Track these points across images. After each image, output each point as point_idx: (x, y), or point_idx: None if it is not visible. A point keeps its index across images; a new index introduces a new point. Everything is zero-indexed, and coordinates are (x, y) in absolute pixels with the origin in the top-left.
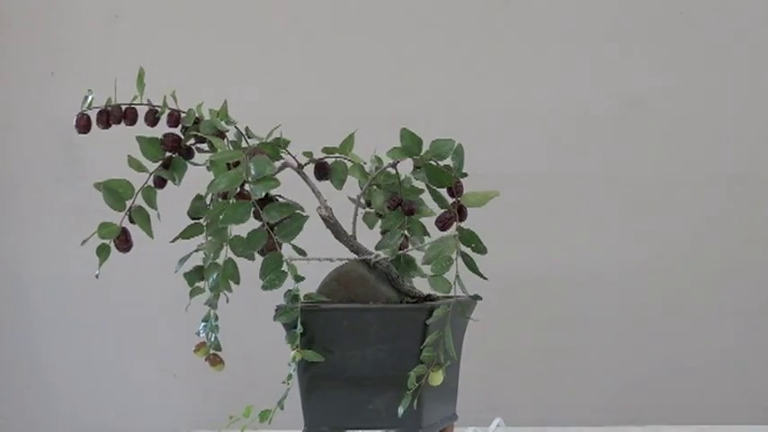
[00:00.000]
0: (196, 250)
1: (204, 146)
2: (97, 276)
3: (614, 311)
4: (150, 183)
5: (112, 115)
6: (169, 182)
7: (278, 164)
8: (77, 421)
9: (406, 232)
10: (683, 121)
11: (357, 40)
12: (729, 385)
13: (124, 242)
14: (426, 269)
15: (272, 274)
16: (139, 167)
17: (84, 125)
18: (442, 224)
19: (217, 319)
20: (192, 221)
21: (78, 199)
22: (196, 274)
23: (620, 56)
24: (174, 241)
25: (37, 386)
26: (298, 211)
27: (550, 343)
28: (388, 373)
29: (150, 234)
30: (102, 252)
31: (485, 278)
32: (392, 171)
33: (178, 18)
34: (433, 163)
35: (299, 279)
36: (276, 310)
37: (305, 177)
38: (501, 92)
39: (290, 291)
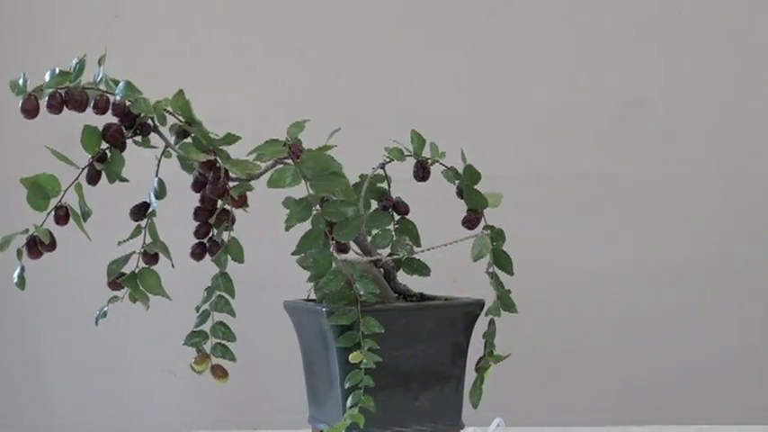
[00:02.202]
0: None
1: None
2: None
3: (614, 311)
4: (82, 179)
5: (71, 100)
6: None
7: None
8: (77, 421)
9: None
10: (682, 121)
11: (356, 40)
12: (729, 385)
13: (51, 246)
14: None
15: (330, 274)
16: (68, 161)
17: (30, 109)
18: (471, 224)
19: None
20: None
21: (78, 199)
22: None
23: (620, 56)
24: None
25: (37, 386)
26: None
27: (550, 343)
28: (436, 369)
29: (87, 235)
30: (20, 256)
31: (512, 275)
32: (381, 171)
33: (178, 18)
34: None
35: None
36: (327, 312)
37: None
38: (501, 92)
39: (342, 290)
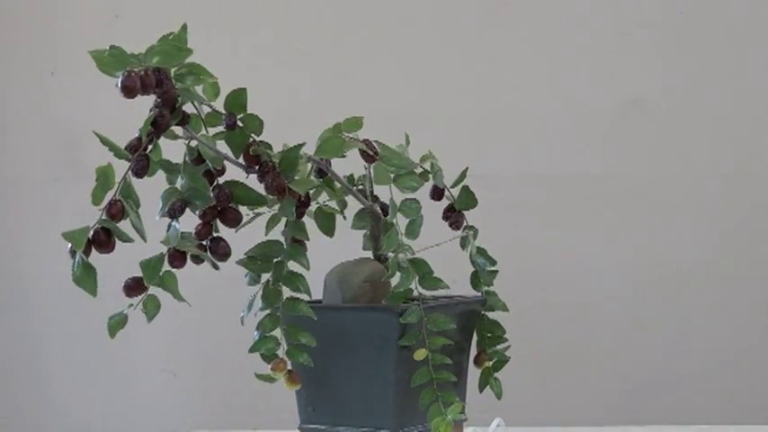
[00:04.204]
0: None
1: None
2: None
3: (614, 311)
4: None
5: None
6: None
7: None
8: (77, 421)
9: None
10: (683, 121)
11: (356, 40)
12: (729, 385)
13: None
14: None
15: (403, 273)
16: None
17: (133, 88)
18: (457, 224)
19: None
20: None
21: (78, 199)
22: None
23: (620, 56)
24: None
25: (37, 386)
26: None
27: (550, 343)
28: (458, 365)
29: (143, 235)
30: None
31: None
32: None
33: (178, 18)
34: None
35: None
36: (400, 311)
37: (338, 178)
38: (501, 92)
39: (410, 289)
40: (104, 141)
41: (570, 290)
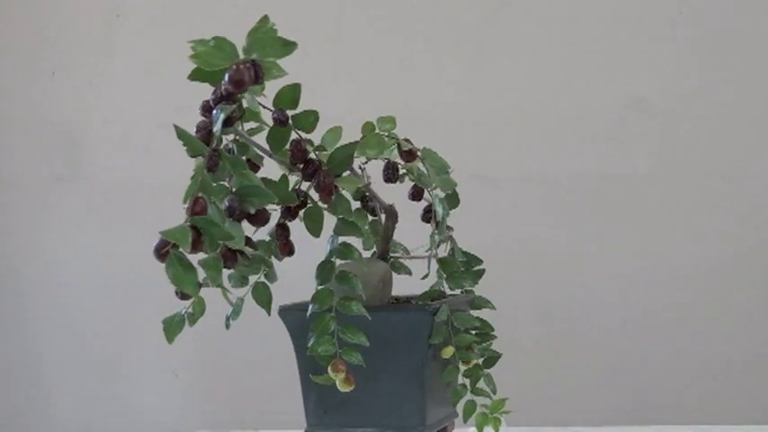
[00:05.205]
0: None
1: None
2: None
3: (614, 311)
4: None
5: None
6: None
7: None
8: (77, 421)
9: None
10: (683, 122)
11: (356, 41)
12: (730, 385)
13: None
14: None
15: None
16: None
17: (243, 81)
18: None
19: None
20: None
21: (78, 199)
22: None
23: (620, 56)
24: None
25: (37, 386)
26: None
27: (550, 343)
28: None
29: (230, 234)
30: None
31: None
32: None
33: (178, 18)
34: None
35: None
36: (430, 310)
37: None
38: (501, 92)
39: (436, 288)
40: (181, 135)
41: (570, 290)
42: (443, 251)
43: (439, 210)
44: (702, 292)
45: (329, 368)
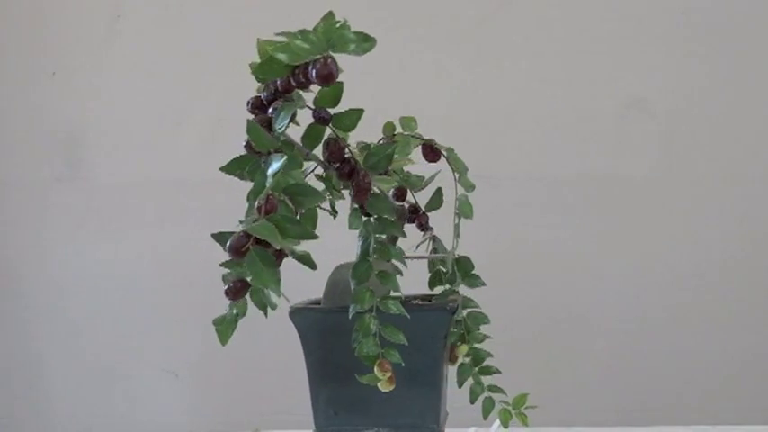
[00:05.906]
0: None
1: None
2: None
3: (615, 311)
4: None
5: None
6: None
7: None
8: (77, 421)
9: None
10: (683, 122)
11: None
12: (730, 385)
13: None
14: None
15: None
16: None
17: (332, 75)
18: (425, 225)
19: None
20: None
21: (78, 199)
22: None
23: (621, 56)
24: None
25: (37, 386)
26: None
27: (551, 343)
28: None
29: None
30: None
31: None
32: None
33: (179, 18)
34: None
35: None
36: (450, 308)
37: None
38: (501, 92)
39: (450, 288)
40: (251, 130)
41: (570, 290)
42: (425, 250)
43: (467, 211)
44: (702, 292)
45: (376, 368)
